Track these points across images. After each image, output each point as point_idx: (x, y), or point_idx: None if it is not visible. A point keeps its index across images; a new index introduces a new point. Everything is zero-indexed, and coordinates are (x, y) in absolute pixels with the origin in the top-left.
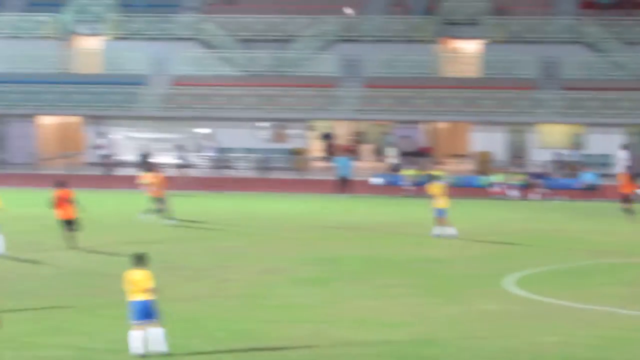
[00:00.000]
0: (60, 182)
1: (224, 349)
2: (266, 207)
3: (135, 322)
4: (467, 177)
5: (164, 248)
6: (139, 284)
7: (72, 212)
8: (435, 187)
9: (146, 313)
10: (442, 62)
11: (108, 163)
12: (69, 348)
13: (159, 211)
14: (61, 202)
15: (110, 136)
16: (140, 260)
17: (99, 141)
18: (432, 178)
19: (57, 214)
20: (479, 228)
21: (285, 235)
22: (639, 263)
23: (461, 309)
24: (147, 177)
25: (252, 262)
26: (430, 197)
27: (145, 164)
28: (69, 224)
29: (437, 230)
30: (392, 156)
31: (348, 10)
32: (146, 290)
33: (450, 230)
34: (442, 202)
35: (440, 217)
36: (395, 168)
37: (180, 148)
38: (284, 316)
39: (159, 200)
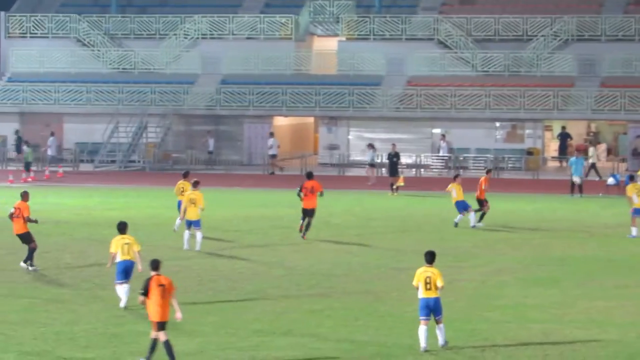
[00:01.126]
0: (309, 173)
1: (453, 350)
2: (497, 206)
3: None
4: None
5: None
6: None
7: (312, 203)
8: (631, 188)
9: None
10: None
11: (342, 164)
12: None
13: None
14: (307, 192)
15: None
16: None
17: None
18: (631, 178)
19: (302, 204)
20: None
21: (515, 235)
22: None
23: None
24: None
25: (482, 262)
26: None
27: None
28: (309, 215)
29: (634, 231)
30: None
31: None
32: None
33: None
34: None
35: (635, 217)
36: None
37: (370, 147)
38: (513, 316)
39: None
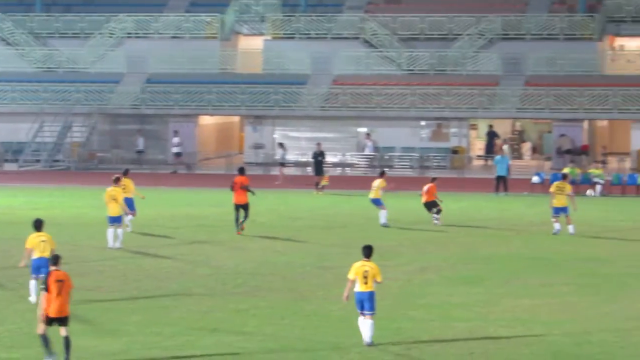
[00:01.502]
0: (241, 169)
1: (378, 348)
2: (421, 205)
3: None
4: (628, 175)
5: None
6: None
7: (242, 199)
8: (554, 186)
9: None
10: (604, 59)
11: (267, 163)
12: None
13: None
14: (237, 188)
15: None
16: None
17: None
18: (564, 177)
19: (233, 198)
20: (638, 225)
21: (440, 233)
22: None
23: (618, 307)
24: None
25: (407, 261)
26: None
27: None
28: (243, 208)
29: (558, 226)
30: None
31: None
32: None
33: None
34: (557, 202)
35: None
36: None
37: (280, 146)
38: (438, 315)
39: None
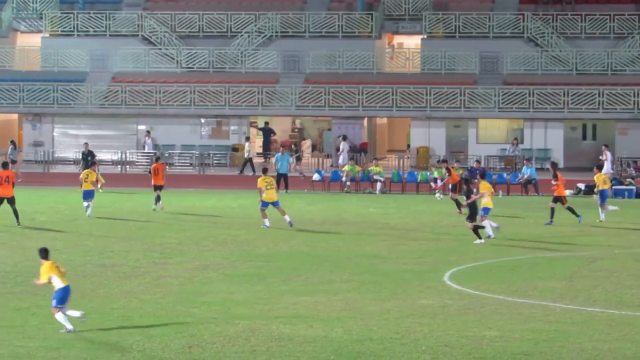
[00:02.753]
0: (4, 163)
1: (160, 346)
2: (203, 203)
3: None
4: (408, 173)
5: (98, 244)
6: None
7: (8, 192)
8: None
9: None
10: (382, 57)
11: (47, 160)
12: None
13: None
14: (1, 182)
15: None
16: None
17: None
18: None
19: None
20: (417, 223)
21: (221, 231)
22: (577, 257)
23: (398, 304)
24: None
25: (188, 258)
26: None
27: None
28: (9, 202)
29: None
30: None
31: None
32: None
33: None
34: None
35: (277, 208)
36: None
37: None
38: (220, 313)
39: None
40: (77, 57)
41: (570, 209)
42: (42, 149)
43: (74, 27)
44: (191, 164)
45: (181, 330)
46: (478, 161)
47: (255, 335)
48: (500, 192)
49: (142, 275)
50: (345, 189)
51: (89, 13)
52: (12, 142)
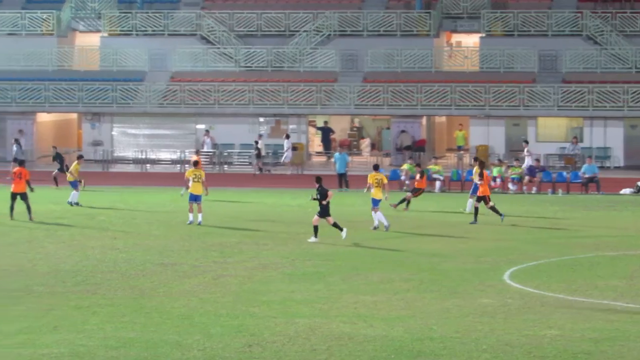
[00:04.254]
0: (20, 160)
1: (221, 345)
2: (262, 202)
3: None
4: (467, 171)
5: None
6: None
7: (22, 187)
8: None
9: None
10: (441, 56)
11: (106, 160)
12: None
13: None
14: (15, 177)
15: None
16: None
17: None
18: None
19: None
20: (478, 222)
21: (280, 230)
22: (638, 256)
23: (458, 303)
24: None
25: (248, 257)
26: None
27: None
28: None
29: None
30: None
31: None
32: None
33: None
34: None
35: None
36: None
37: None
38: (280, 312)
39: None
40: (136, 57)
41: (493, 208)
42: (101, 149)
43: (132, 27)
44: (250, 163)
45: (241, 330)
46: (537, 160)
47: (316, 334)
48: (560, 191)
49: (201, 274)
50: (405, 187)
51: (147, 12)
52: (17, 142)
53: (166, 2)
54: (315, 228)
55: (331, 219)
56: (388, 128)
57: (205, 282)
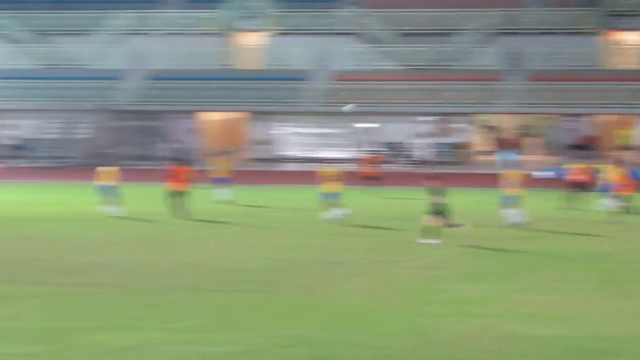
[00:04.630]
0: (182, 159)
1: (392, 344)
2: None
3: None
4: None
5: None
6: None
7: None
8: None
9: None
10: (605, 54)
11: (271, 158)
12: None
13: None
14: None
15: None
16: None
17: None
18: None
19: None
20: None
21: (444, 229)
22: None
23: (632, 304)
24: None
25: (415, 256)
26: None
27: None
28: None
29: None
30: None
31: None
32: None
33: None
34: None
35: (331, 200)
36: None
37: None
38: (451, 311)
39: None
40: (299, 56)
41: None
42: (266, 147)
43: (295, 26)
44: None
45: (413, 328)
46: None
47: (488, 334)
48: None
49: (368, 273)
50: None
51: (310, 12)
52: (179, 141)
53: (329, 2)
54: (433, 229)
55: (441, 221)
56: (556, 127)
57: (373, 281)
